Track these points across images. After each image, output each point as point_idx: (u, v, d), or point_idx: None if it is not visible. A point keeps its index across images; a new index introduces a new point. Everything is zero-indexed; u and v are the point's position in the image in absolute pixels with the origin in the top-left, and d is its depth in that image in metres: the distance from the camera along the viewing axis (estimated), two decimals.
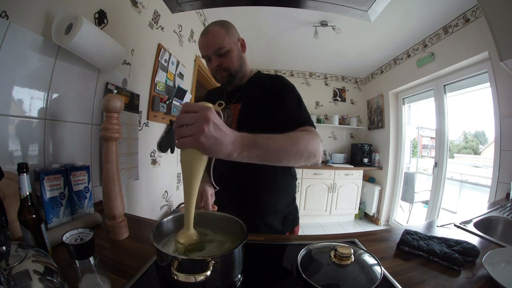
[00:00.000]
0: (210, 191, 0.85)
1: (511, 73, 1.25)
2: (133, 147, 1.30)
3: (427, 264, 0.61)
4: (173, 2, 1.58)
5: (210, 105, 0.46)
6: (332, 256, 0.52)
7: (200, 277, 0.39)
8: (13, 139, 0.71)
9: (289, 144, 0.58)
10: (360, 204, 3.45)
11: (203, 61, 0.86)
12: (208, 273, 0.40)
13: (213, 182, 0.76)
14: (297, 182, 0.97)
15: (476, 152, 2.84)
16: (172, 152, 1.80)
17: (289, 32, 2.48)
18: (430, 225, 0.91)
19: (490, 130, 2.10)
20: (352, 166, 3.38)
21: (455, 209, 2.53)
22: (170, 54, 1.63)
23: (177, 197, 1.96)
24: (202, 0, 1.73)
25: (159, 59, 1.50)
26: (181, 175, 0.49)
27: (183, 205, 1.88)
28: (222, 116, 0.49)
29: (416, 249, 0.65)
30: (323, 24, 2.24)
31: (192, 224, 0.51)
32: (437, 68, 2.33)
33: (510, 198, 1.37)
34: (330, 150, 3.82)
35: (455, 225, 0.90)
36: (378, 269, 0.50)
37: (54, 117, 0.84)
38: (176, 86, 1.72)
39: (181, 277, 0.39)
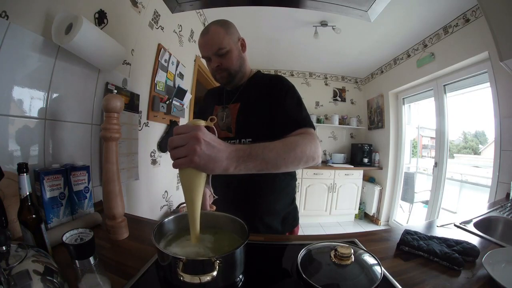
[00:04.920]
0: (208, 192, 0.85)
1: (511, 73, 1.25)
2: (133, 147, 1.30)
3: (427, 264, 0.61)
4: (173, 2, 1.58)
5: (202, 122, 0.47)
6: (332, 256, 0.52)
7: (207, 278, 0.39)
8: (13, 139, 0.71)
9: (286, 151, 0.57)
10: (360, 204, 3.45)
11: (203, 61, 0.86)
12: (215, 273, 0.40)
13: (212, 191, 0.77)
14: (297, 182, 0.97)
15: (476, 152, 2.83)
16: None
17: (289, 32, 2.48)
18: (430, 225, 0.91)
19: (490, 130, 2.10)
20: (352, 166, 3.38)
21: (455, 209, 2.53)
22: (170, 54, 1.63)
23: (177, 197, 1.96)
24: (202, 0, 1.73)
25: (159, 59, 1.50)
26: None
27: (183, 205, 1.88)
28: (216, 131, 0.50)
29: (416, 249, 0.65)
30: (323, 24, 2.24)
31: (198, 237, 0.52)
32: (437, 68, 2.33)
33: (510, 198, 1.36)
34: (330, 150, 3.82)
35: (455, 225, 0.90)
36: (378, 269, 0.50)
37: (54, 117, 0.84)
38: (176, 86, 1.72)
39: (187, 278, 0.39)
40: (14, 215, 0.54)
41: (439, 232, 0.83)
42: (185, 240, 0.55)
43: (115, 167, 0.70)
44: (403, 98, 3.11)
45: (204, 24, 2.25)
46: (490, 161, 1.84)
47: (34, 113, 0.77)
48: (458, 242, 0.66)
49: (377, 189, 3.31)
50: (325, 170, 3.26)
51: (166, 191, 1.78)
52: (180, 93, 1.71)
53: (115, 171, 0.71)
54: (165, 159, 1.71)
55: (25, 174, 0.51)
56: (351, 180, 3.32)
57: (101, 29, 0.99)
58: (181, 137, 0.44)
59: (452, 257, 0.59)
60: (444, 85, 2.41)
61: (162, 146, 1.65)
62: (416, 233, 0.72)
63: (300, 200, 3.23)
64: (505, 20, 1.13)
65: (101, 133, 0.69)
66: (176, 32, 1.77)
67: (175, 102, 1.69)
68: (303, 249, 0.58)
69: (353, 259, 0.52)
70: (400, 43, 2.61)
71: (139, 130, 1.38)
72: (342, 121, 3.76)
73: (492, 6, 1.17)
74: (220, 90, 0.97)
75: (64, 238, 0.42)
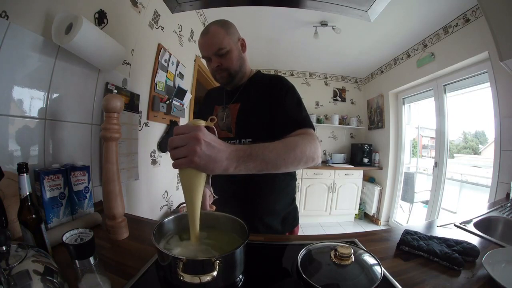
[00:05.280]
0: (208, 192, 0.84)
1: (511, 73, 1.25)
2: (133, 147, 1.30)
3: (427, 264, 0.61)
4: (173, 2, 1.58)
5: (202, 122, 0.47)
6: (332, 256, 0.52)
7: (207, 278, 0.39)
8: (13, 139, 0.71)
9: (286, 151, 0.57)
10: (360, 204, 3.45)
11: (203, 61, 0.86)
12: (215, 273, 0.40)
13: (212, 191, 0.77)
14: (297, 182, 0.97)
15: (476, 152, 2.83)
16: None
17: (289, 32, 2.48)
18: (430, 225, 0.91)
19: (490, 130, 2.10)
20: (352, 166, 3.38)
21: (455, 209, 2.53)
22: (170, 54, 1.63)
23: (177, 197, 1.96)
24: (202, 0, 1.73)
25: (159, 59, 1.50)
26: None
27: (183, 205, 1.88)
28: (216, 131, 0.50)
29: (416, 249, 0.65)
30: (323, 24, 2.24)
31: (198, 237, 0.52)
32: (437, 68, 2.33)
33: (510, 198, 1.36)
34: (330, 150, 3.82)
35: (455, 225, 0.90)
36: (378, 269, 0.50)
37: (54, 117, 0.84)
38: (176, 86, 1.72)
39: (187, 278, 0.39)
40: (14, 215, 0.54)
41: (439, 232, 0.83)
42: (185, 240, 0.55)
43: (115, 167, 0.70)
44: (403, 98, 3.11)
45: (204, 24, 2.25)
46: (490, 161, 1.84)
47: (34, 113, 0.77)
48: (458, 242, 0.66)
49: (377, 189, 3.31)
50: (325, 170, 3.26)
51: (166, 191, 1.78)
52: (180, 93, 1.71)
53: (115, 171, 0.71)
54: (165, 159, 1.71)
55: (25, 174, 0.51)
56: (351, 180, 3.32)
57: (101, 29, 0.99)
58: (181, 137, 0.44)
59: (452, 257, 0.59)
60: (444, 85, 2.41)
61: (162, 146, 1.65)
62: (416, 233, 0.72)
63: (300, 200, 3.23)
64: (505, 20, 1.12)
65: (101, 133, 0.69)
66: (176, 32, 1.77)
67: (175, 102, 1.69)
68: (303, 249, 0.58)
69: (353, 259, 0.52)
70: (400, 43, 2.60)
71: (139, 130, 1.38)
72: (342, 121, 3.76)
73: (492, 6, 1.17)
74: (220, 90, 0.97)
75: (64, 238, 0.42)
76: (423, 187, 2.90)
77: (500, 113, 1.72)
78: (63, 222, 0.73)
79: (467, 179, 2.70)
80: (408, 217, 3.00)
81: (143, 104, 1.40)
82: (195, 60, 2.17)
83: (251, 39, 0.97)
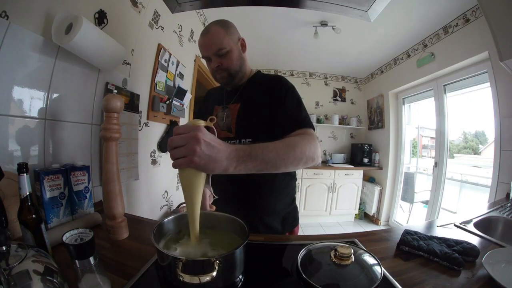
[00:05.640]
0: (208, 192, 0.85)
1: (511, 73, 1.25)
2: (133, 147, 1.30)
3: (427, 264, 0.61)
4: (173, 2, 1.58)
5: (201, 122, 0.47)
6: (332, 256, 0.52)
7: (206, 278, 0.39)
8: (13, 139, 0.71)
9: (286, 151, 0.58)
10: (360, 204, 3.45)
11: (203, 61, 0.86)
12: (214, 273, 0.40)
13: (212, 192, 0.77)
14: (297, 182, 0.97)
15: (476, 152, 2.83)
16: None
17: (289, 32, 2.48)
18: (430, 225, 0.91)
19: (490, 130, 2.10)
20: (352, 166, 3.38)
21: (455, 209, 2.53)
22: (170, 54, 1.63)
23: (177, 197, 1.96)
24: (202, 0, 1.73)
25: (159, 59, 1.50)
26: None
27: (183, 205, 1.88)
28: (215, 131, 0.50)
29: (416, 249, 0.65)
30: (323, 24, 2.24)
31: (198, 237, 0.52)
32: (437, 68, 2.33)
33: (510, 198, 1.36)
34: (330, 150, 3.82)
35: (455, 225, 0.90)
36: (378, 269, 0.50)
37: (54, 117, 0.84)
38: (176, 86, 1.72)
39: (187, 278, 0.39)
40: (14, 215, 0.54)
41: (439, 232, 0.83)
42: (185, 240, 0.55)
43: (115, 167, 0.70)
44: (403, 98, 3.11)
45: (204, 24, 2.25)
46: (490, 161, 1.84)
47: (34, 113, 0.77)
48: (458, 242, 0.66)
49: (377, 189, 3.31)
50: (325, 170, 3.25)
51: (166, 191, 1.78)
52: (180, 93, 1.71)
53: (115, 171, 0.71)
54: (165, 159, 1.71)
55: (25, 174, 0.51)
56: (351, 180, 3.32)
57: (101, 29, 0.99)
58: (181, 137, 0.44)
59: (452, 257, 0.59)
60: (444, 85, 2.41)
61: (162, 146, 1.65)
62: (416, 233, 0.72)
63: (300, 200, 3.23)
64: (505, 20, 1.12)
65: (101, 133, 0.69)
66: (176, 32, 1.77)
67: (175, 102, 1.69)
68: (303, 249, 0.58)
69: (353, 259, 0.52)
70: (400, 43, 2.60)
71: (139, 130, 1.38)
72: (342, 121, 3.76)
73: (492, 6, 1.17)
74: (220, 90, 0.97)
75: (64, 238, 0.42)
76: (423, 187, 2.90)
77: (500, 113, 1.72)
78: (63, 222, 0.73)
79: (467, 179, 2.69)
80: (408, 217, 3.00)
81: (143, 104, 1.40)
82: (195, 60, 2.17)
83: (251, 39, 0.97)
